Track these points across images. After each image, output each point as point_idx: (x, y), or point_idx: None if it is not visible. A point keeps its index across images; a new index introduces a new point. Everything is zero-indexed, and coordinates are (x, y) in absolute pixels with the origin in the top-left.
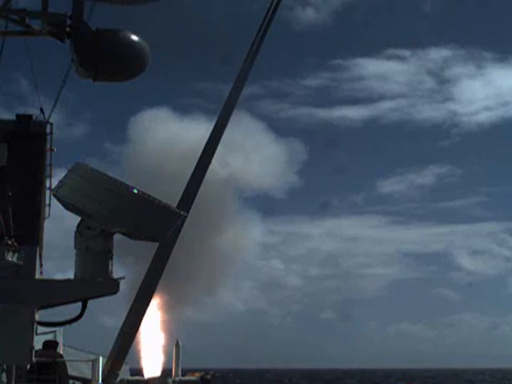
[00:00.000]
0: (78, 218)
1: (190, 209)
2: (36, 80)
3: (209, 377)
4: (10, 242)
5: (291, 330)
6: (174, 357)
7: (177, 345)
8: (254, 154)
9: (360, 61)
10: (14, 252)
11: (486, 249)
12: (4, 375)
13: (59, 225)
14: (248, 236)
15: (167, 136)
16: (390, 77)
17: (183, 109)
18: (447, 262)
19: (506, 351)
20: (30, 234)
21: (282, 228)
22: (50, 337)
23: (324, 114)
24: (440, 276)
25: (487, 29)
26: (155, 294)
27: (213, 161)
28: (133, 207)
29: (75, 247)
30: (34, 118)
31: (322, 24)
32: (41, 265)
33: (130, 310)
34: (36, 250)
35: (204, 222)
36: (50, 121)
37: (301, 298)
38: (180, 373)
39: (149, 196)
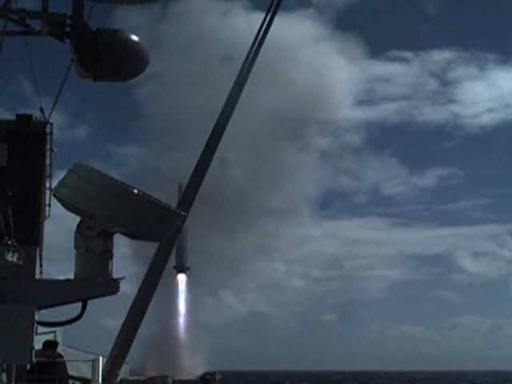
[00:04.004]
0: (79, 219)
1: (189, 209)
2: (36, 80)
3: (209, 377)
4: (10, 242)
5: (293, 332)
6: (177, 201)
7: (180, 188)
8: None
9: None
10: (13, 252)
11: (489, 251)
12: (4, 375)
13: (60, 226)
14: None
15: None
16: (392, 79)
17: None
18: (449, 264)
19: (509, 353)
20: (30, 234)
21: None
22: (50, 337)
23: None
24: (442, 278)
25: (490, 30)
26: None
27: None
28: (133, 207)
29: (75, 247)
30: (34, 118)
31: None
32: (41, 265)
33: (131, 309)
34: (36, 250)
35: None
36: (51, 121)
37: (303, 299)
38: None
39: (149, 196)
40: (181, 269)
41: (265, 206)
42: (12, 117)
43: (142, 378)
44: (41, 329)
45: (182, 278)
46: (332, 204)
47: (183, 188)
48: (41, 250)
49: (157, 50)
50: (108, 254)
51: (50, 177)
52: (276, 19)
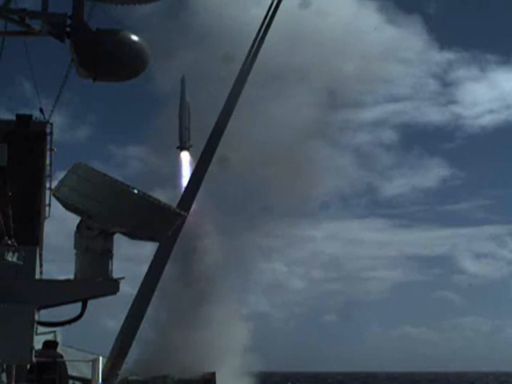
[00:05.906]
0: (79, 219)
1: (190, 209)
2: (36, 80)
3: (209, 377)
4: (10, 242)
5: (294, 333)
6: (179, 109)
7: (182, 80)
8: None
9: None
10: (13, 252)
11: (490, 252)
12: (4, 375)
13: (60, 226)
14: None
15: None
16: (394, 79)
17: None
18: (451, 265)
19: (510, 354)
20: (30, 234)
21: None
22: (50, 337)
23: None
24: (443, 279)
25: (491, 31)
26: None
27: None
28: (132, 207)
29: (75, 247)
30: (34, 118)
31: None
32: (41, 265)
33: (131, 310)
34: (36, 250)
35: None
36: (51, 121)
37: (304, 300)
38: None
39: (149, 196)
40: (184, 147)
41: (266, 205)
42: (12, 117)
43: (142, 378)
44: (41, 329)
45: (185, 156)
46: (333, 205)
47: (185, 81)
48: (41, 249)
49: (160, 47)
50: (108, 253)
51: (50, 177)
52: None
